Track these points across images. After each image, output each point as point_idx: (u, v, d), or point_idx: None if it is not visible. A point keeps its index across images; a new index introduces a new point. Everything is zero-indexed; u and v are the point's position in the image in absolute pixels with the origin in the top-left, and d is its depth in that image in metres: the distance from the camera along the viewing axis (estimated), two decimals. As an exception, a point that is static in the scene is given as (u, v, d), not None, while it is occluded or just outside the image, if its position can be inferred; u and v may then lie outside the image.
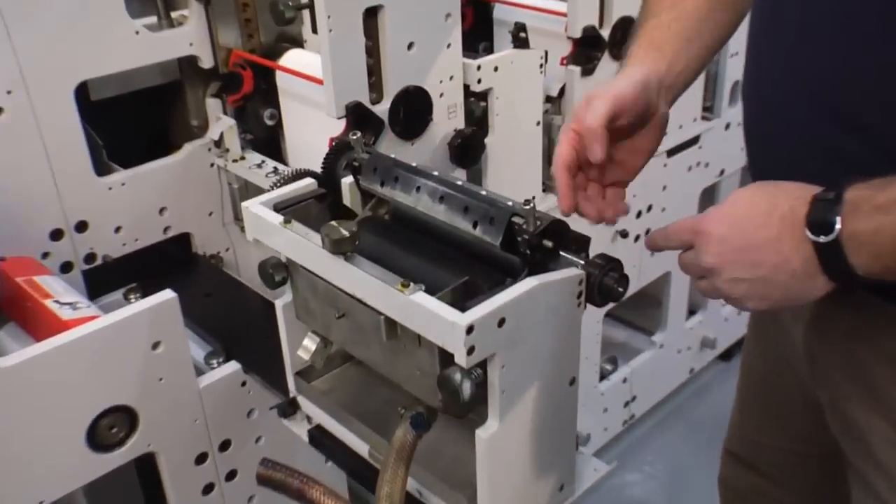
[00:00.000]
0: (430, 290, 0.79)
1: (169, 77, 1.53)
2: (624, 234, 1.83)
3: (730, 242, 0.78)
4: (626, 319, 2.33)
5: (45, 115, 1.31)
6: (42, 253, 1.38)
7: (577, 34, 1.55)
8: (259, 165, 1.48)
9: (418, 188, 0.92)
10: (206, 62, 1.47)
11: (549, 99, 1.61)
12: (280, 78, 1.45)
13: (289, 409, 1.09)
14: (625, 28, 1.60)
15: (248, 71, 1.47)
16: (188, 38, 1.46)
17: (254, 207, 0.96)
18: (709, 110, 1.98)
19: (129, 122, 1.54)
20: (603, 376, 2.04)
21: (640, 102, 0.89)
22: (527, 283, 0.78)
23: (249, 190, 1.54)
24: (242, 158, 1.51)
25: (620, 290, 0.85)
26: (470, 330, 0.74)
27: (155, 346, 1.11)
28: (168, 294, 1.11)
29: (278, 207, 0.96)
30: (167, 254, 1.54)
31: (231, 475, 1.29)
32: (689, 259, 0.83)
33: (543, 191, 1.67)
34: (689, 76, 0.97)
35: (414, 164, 0.95)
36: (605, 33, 1.59)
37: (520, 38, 1.48)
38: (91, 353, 1.06)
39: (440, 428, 0.91)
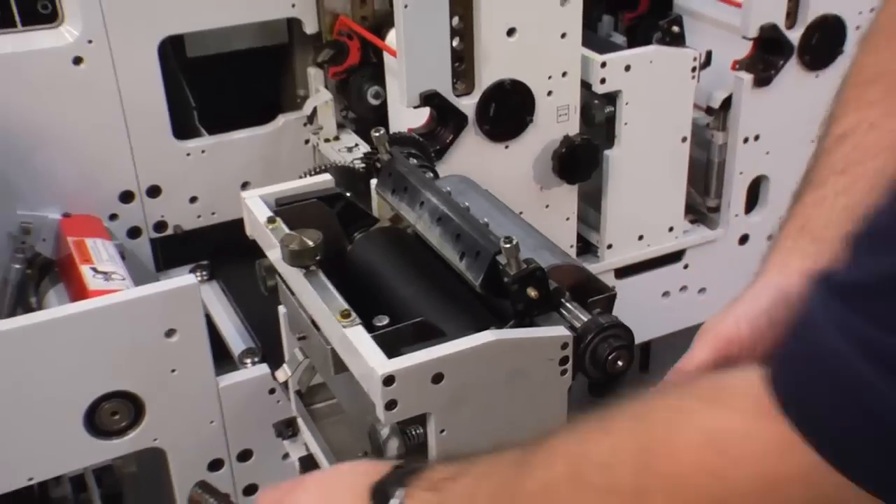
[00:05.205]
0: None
1: (275, 39, 1.62)
2: None
3: None
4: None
5: (126, 69, 1.44)
6: (110, 214, 1.52)
7: (752, 33, 1.46)
8: (350, 149, 1.53)
9: (422, 203, 0.93)
10: (310, 27, 1.54)
11: (710, 111, 1.54)
12: (388, 54, 1.49)
13: (285, 430, 1.14)
14: (824, 31, 1.50)
15: (354, 41, 1.53)
16: (290, -1, 1.52)
17: (250, 199, 1.00)
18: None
19: (229, 85, 1.65)
20: None
21: (759, 339, 0.75)
22: (479, 337, 0.77)
23: (343, 175, 1.60)
24: (336, 139, 1.57)
25: (620, 363, 0.81)
26: (389, 381, 0.74)
27: (169, 333, 1.19)
28: (189, 279, 1.18)
29: (280, 202, 1.01)
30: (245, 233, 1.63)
31: (250, 490, 1.35)
32: None
33: (692, 222, 1.60)
34: None
35: (430, 175, 0.96)
36: (797, 35, 1.49)
37: (672, 33, 1.42)
38: (95, 330, 1.15)
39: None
